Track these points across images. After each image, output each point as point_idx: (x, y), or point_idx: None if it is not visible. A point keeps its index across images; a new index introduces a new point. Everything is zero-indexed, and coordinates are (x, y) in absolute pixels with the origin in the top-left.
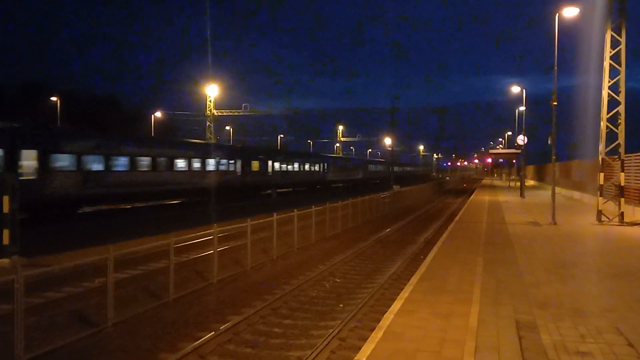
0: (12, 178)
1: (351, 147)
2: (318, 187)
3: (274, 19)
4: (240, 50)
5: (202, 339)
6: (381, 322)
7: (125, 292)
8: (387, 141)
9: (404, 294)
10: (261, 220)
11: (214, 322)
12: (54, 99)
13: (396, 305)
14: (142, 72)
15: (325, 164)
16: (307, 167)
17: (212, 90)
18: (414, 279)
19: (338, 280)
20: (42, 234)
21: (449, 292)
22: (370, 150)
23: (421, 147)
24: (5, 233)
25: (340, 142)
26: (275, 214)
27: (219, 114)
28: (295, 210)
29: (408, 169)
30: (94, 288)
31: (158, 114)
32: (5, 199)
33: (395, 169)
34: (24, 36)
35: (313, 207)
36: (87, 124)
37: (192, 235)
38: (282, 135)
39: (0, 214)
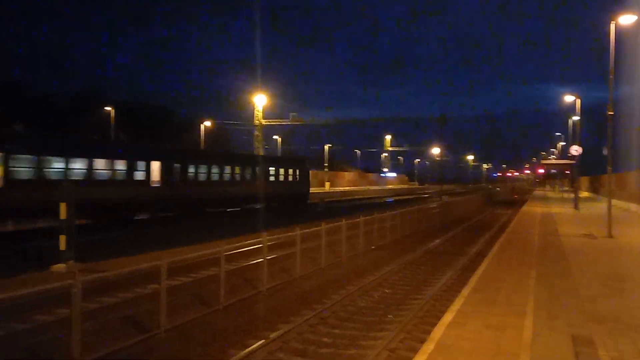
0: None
1: (399, 157)
2: None
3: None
4: (290, 60)
5: (253, 347)
6: (432, 333)
7: (177, 298)
8: (435, 150)
9: (455, 305)
10: (307, 230)
11: (263, 330)
12: (108, 108)
13: (447, 317)
14: (194, 82)
15: None
16: None
17: (260, 100)
18: (465, 291)
19: (387, 291)
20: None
21: (502, 305)
22: (418, 160)
23: (471, 157)
24: (62, 239)
25: (388, 151)
26: (323, 224)
27: (267, 123)
28: (344, 220)
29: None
30: (147, 294)
31: (207, 123)
32: (62, 205)
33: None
34: (79, 46)
35: (361, 217)
36: (140, 134)
37: (238, 244)
38: (329, 145)
39: (58, 220)
